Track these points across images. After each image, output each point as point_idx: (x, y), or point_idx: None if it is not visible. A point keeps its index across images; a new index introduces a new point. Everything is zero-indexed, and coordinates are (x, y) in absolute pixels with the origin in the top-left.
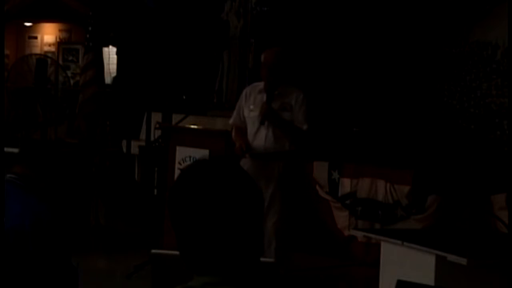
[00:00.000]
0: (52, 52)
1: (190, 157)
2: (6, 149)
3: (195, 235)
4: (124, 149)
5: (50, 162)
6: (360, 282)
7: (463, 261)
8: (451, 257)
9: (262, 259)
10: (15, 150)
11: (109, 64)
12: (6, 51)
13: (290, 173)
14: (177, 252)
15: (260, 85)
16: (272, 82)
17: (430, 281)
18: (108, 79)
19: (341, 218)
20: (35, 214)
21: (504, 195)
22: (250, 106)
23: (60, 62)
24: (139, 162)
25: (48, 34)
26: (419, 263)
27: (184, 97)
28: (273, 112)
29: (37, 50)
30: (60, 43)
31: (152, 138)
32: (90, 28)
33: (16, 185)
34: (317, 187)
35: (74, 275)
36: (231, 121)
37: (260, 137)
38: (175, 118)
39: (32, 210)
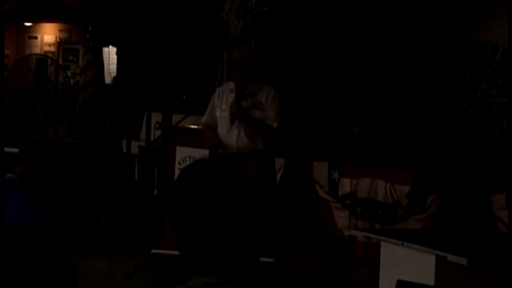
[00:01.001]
0: (52, 52)
1: (190, 157)
2: (6, 149)
3: (195, 235)
4: (124, 149)
5: (50, 162)
6: (360, 282)
7: (463, 261)
8: (451, 257)
9: (262, 259)
10: (15, 150)
11: (109, 64)
12: (6, 51)
13: (265, 172)
14: (177, 252)
15: (233, 84)
16: (241, 81)
17: (430, 281)
18: (108, 79)
19: (341, 218)
20: (35, 214)
21: (504, 195)
22: (222, 105)
23: (60, 62)
24: (139, 162)
25: (48, 34)
26: (419, 263)
27: (184, 97)
28: (242, 111)
29: (37, 50)
30: (60, 43)
31: (152, 138)
32: (90, 28)
33: (16, 185)
34: (317, 187)
35: (74, 275)
36: (203, 119)
37: (232, 136)
38: (175, 118)
39: (32, 210)
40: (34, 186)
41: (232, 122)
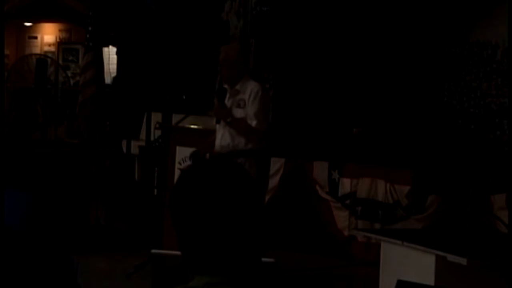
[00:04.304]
0: (52, 52)
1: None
2: None
3: (196, 235)
4: (124, 149)
5: (29, 156)
6: (360, 282)
7: (463, 261)
8: (451, 257)
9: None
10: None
11: (109, 64)
12: (6, 51)
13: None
14: (177, 252)
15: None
16: (226, 79)
17: (430, 281)
18: (108, 79)
19: (341, 218)
20: (22, 208)
21: (504, 195)
22: None
23: (60, 62)
24: (139, 162)
25: (48, 34)
26: (419, 263)
27: (184, 97)
28: (222, 110)
29: (37, 50)
30: (60, 43)
31: (152, 138)
32: (90, 28)
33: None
34: (317, 187)
35: (69, 268)
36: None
37: (218, 136)
38: (175, 118)
39: (18, 205)
40: (17, 180)
41: (218, 122)
